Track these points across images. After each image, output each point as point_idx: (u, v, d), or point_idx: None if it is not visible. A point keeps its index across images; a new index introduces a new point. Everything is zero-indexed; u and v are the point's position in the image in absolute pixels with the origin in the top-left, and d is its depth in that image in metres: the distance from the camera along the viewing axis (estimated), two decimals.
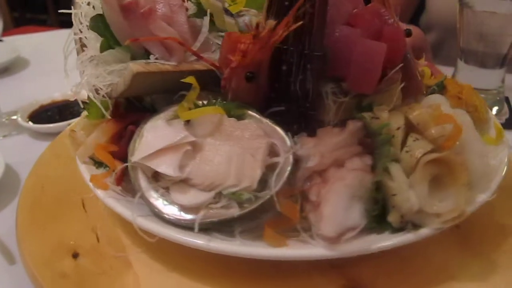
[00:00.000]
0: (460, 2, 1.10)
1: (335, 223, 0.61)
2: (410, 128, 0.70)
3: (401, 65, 0.73)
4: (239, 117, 0.72)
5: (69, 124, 1.11)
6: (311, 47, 0.69)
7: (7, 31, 2.01)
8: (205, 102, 0.73)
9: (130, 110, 0.80)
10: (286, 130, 0.69)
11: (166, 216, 0.66)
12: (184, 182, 0.68)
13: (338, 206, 0.62)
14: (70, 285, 0.68)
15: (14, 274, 0.76)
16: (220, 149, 0.69)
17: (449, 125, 0.67)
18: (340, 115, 0.72)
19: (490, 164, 0.72)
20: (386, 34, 0.72)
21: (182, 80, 0.70)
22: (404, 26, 0.80)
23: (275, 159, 0.67)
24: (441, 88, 0.86)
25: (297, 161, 0.67)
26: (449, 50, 1.59)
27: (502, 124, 1.12)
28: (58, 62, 1.81)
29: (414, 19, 1.80)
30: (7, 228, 0.83)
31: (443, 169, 0.65)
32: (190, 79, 0.71)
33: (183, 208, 0.66)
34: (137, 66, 0.69)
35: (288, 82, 0.71)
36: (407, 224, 0.64)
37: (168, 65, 0.73)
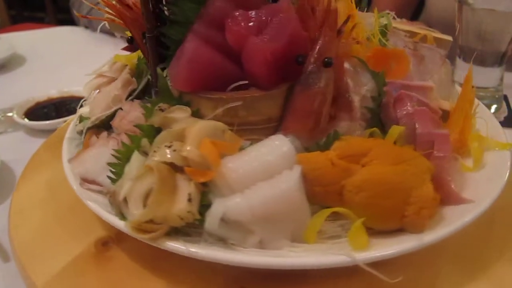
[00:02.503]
0: (459, 0, 1.10)
1: None
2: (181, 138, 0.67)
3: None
4: None
5: (65, 121, 1.10)
6: None
7: (3, 29, 2.00)
8: None
9: None
10: None
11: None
12: None
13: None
14: (63, 283, 0.68)
15: (8, 272, 0.76)
16: None
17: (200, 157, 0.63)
18: None
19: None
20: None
21: None
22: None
23: None
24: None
25: None
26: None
27: (501, 123, 1.12)
28: (54, 60, 1.82)
29: (414, 18, 1.80)
30: (2, 225, 0.82)
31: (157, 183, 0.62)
32: None
33: None
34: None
35: None
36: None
37: None
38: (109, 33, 1.92)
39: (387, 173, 0.63)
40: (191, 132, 0.67)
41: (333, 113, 0.76)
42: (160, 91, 0.77)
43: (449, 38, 1.01)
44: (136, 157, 0.69)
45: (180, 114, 0.71)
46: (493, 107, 1.15)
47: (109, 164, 0.72)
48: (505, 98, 1.21)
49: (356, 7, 0.89)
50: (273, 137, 0.68)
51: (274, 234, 0.62)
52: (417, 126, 0.72)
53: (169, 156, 0.65)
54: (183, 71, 0.73)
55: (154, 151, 0.67)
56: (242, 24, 0.72)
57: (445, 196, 0.68)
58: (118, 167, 0.71)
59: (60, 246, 0.74)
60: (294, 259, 0.60)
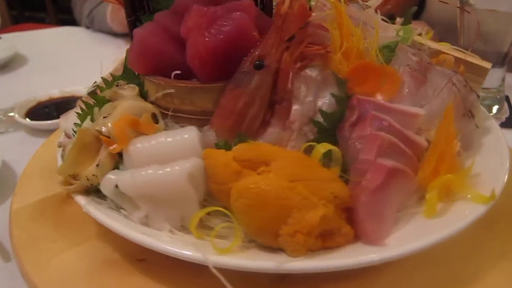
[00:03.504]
0: (461, 0, 1.10)
1: None
2: None
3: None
4: None
5: None
6: None
7: (5, 29, 2.00)
8: None
9: None
10: None
11: None
12: None
13: None
14: (64, 283, 0.67)
15: (9, 272, 0.76)
16: None
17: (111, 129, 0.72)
18: None
19: None
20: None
21: None
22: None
23: None
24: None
25: None
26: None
27: (502, 123, 1.12)
28: (55, 59, 1.83)
29: (414, 18, 1.79)
30: (3, 225, 0.82)
31: None
32: None
33: None
34: None
35: None
36: None
37: None
38: (110, 33, 1.93)
39: (271, 186, 0.60)
40: (119, 108, 0.75)
41: (268, 119, 0.74)
42: (126, 69, 0.86)
43: (488, 65, 0.89)
44: (86, 122, 0.80)
45: (127, 92, 0.79)
46: (495, 107, 1.15)
47: (74, 123, 0.82)
48: (507, 98, 1.21)
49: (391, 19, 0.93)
50: (188, 127, 0.72)
51: (157, 215, 0.66)
52: (361, 151, 0.67)
53: (98, 125, 0.73)
54: (131, 54, 0.80)
55: (96, 119, 0.77)
56: (195, 18, 0.75)
57: (359, 231, 0.63)
58: (78, 127, 0.80)
59: (61, 246, 0.74)
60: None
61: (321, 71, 0.75)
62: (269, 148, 0.68)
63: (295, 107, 0.73)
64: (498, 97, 1.15)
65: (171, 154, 0.67)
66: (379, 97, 0.75)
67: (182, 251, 0.60)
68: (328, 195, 0.62)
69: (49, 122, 1.17)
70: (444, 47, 0.91)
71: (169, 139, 0.69)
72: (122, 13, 1.79)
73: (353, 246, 0.63)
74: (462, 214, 0.64)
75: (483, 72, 0.89)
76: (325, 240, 0.62)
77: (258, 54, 0.73)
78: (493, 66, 1.11)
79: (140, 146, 0.69)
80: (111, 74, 0.89)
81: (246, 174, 0.63)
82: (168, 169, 0.64)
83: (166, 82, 0.76)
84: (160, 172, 0.64)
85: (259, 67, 0.72)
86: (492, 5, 1.04)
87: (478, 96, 0.82)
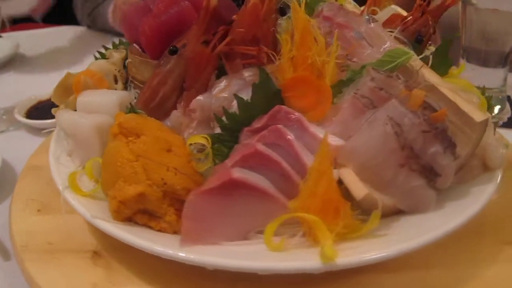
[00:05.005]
0: (463, 0, 1.09)
1: None
2: None
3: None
4: None
5: None
6: None
7: (5, 28, 2.00)
8: None
9: None
10: None
11: None
12: None
13: None
14: (64, 282, 0.67)
15: (9, 270, 0.75)
16: None
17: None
18: None
19: None
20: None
21: None
22: None
23: None
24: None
25: None
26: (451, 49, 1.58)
27: (504, 123, 1.12)
28: (56, 59, 1.82)
29: None
30: (3, 224, 0.82)
31: None
32: None
33: None
34: None
35: None
36: None
37: None
38: (111, 32, 1.93)
39: (119, 155, 0.68)
40: (91, 64, 0.96)
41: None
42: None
43: (479, 117, 0.68)
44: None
45: (117, 54, 0.98)
46: (497, 107, 1.14)
47: None
48: (509, 98, 1.20)
49: None
50: (118, 91, 0.89)
51: (76, 153, 0.82)
52: (230, 156, 0.68)
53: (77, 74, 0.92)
54: (119, 26, 0.96)
55: None
56: (160, 4, 0.85)
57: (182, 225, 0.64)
58: None
59: (61, 244, 0.74)
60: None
61: (255, 74, 0.74)
62: (148, 124, 0.74)
63: (199, 97, 0.76)
64: (500, 97, 1.15)
65: (97, 108, 0.82)
66: (310, 115, 0.71)
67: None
68: (159, 179, 0.66)
69: (49, 121, 1.17)
70: (445, 82, 0.74)
71: (99, 97, 0.85)
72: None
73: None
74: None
75: (474, 126, 0.67)
76: (150, 220, 0.67)
77: (181, 41, 0.80)
78: (495, 66, 1.12)
79: (81, 97, 0.85)
80: (119, 39, 1.06)
81: (118, 138, 0.71)
82: (84, 118, 0.80)
83: (130, 51, 0.91)
84: (78, 118, 0.81)
85: (172, 52, 0.79)
86: (494, 4, 1.04)
87: (454, 155, 0.65)
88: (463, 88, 0.73)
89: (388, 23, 0.87)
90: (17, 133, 1.20)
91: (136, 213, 0.67)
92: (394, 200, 0.65)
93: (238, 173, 0.62)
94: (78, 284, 0.67)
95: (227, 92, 0.75)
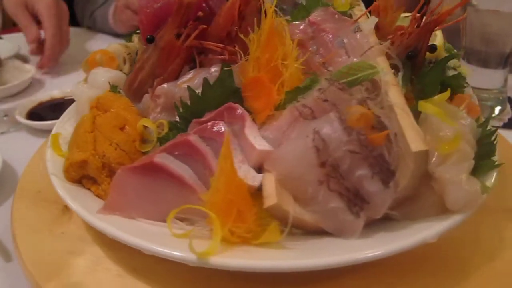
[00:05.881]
0: None
1: None
2: None
3: None
4: None
5: None
6: None
7: (6, 29, 2.00)
8: None
9: None
10: None
11: None
12: None
13: None
14: (66, 281, 0.67)
15: (10, 272, 0.75)
16: None
17: None
18: None
19: None
20: None
21: None
22: None
23: None
24: None
25: None
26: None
27: (505, 124, 1.12)
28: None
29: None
30: (4, 225, 0.82)
31: None
32: None
33: None
34: None
35: None
36: None
37: None
38: (112, 34, 1.93)
39: (83, 126, 0.80)
40: (109, 46, 1.05)
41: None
42: None
43: (416, 147, 0.60)
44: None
45: (136, 39, 1.08)
46: (497, 108, 1.15)
47: None
48: (509, 99, 1.20)
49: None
50: (115, 71, 0.95)
51: (75, 117, 0.91)
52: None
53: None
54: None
55: None
56: None
57: None
58: None
59: (63, 245, 0.74)
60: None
61: (220, 70, 0.77)
62: (117, 103, 0.83)
63: (164, 85, 0.80)
64: (501, 98, 1.15)
65: (97, 83, 0.91)
66: (260, 117, 0.72)
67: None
68: (101, 151, 0.76)
69: (50, 122, 1.17)
70: (404, 104, 0.66)
71: (100, 75, 0.92)
72: (124, 14, 1.80)
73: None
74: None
75: (410, 155, 0.60)
76: (93, 185, 0.77)
77: (160, 31, 0.84)
78: (495, 67, 1.12)
79: (92, 72, 0.94)
80: None
81: (92, 111, 0.83)
82: (81, 91, 0.91)
83: (139, 38, 1.02)
84: (80, 90, 0.91)
85: (148, 41, 0.84)
86: (495, 5, 1.04)
87: (386, 183, 0.59)
88: (440, 117, 0.64)
89: (386, 35, 0.81)
90: (18, 134, 1.21)
91: (83, 177, 0.78)
92: (316, 218, 0.61)
93: (160, 159, 0.66)
94: (79, 282, 0.67)
95: (190, 83, 0.79)
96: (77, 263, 0.70)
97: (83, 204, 0.70)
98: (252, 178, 0.65)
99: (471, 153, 0.63)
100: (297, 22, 0.89)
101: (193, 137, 0.68)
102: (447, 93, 0.67)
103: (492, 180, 0.66)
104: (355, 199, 0.60)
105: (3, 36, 1.90)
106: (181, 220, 0.65)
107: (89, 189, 0.77)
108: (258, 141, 0.67)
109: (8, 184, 0.98)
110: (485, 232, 0.73)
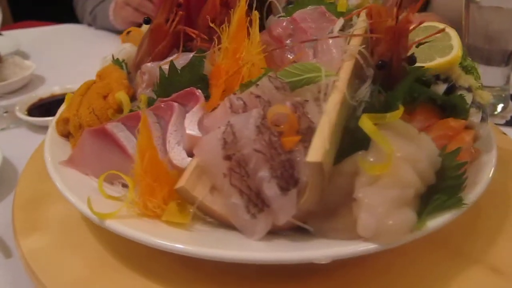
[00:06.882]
0: None
1: None
2: None
3: None
4: None
5: None
6: None
7: (7, 26, 1.99)
8: None
9: None
10: None
11: None
12: None
13: None
14: (67, 278, 0.67)
15: (10, 268, 0.75)
16: None
17: None
18: None
19: None
20: None
21: None
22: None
23: None
24: None
25: None
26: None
27: (507, 122, 1.12)
28: (57, 56, 1.81)
29: (423, 10, 1.78)
30: (4, 221, 0.82)
31: None
32: None
33: None
34: None
35: None
36: None
37: None
38: (113, 30, 1.93)
39: (81, 86, 0.93)
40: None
41: None
42: None
43: (311, 158, 0.56)
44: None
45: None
46: (500, 106, 1.14)
47: None
48: None
49: None
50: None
51: None
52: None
53: None
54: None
55: None
56: None
57: None
58: None
59: (64, 241, 0.73)
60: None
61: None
62: (113, 74, 0.92)
63: (148, 64, 0.87)
64: (503, 95, 1.15)
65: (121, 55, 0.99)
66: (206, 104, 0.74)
67: None
68: (79, 113, 0.86)
69: (50, 118, 1.16)
70: (331, 114, 0.60)
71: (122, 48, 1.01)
72: (124, 10, 1.80)
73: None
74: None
75: (306, 164, 0.57)
76: (72, 139, 0.86)
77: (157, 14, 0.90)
78: (498, 65, 1.12)
79: (122, 45, 1.03)
80: None
81: (96, 78, 0.94)
82: (106, 60, 1.00)
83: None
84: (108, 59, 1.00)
85: (145, 22, 0.93)
86: (497, 2, 1.04)
87: (284, 189, 0.58)
88: (374, 137, 0.59)
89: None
90: (18, 130, 1.20)
91: (69, 133, 0.87)
92: (225, 210, 0.61)
93: (111, 127, 0.75)
94: (81, 280, 0.67)
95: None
96: (78, 259, 0.70)
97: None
98: (181, 160, 0.69)
99: (415, 182, 0.58)
100: (283, 19, 0.89)
101: (146, 112, 0.75)
102: (399, 112, 0.61)
103: (442, 221, 0.59)
104: (256, 200, 0.60)
105: (3, 32, 1.89)
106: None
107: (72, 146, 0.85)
108: (191, 126, 0.71)
109: (9, 180, 0.98)
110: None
